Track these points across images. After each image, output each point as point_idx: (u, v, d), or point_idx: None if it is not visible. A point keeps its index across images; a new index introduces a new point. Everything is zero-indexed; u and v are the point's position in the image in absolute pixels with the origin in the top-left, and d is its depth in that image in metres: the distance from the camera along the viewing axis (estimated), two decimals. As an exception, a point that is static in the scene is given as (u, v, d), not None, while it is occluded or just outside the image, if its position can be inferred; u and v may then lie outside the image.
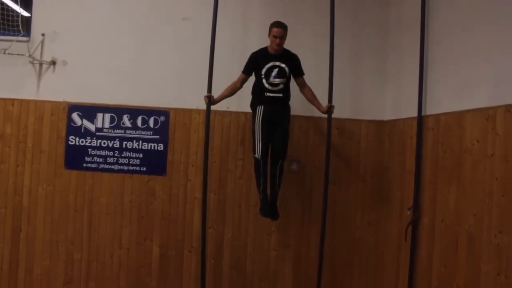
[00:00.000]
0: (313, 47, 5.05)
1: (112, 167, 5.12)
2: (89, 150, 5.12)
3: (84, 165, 5.12)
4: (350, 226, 5.22)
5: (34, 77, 5.12)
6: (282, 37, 4.48)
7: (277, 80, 4.52)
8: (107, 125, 5.14)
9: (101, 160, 5.13)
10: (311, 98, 4.70)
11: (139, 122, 5.14)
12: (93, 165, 5.12)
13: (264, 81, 4.53)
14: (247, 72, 4.63)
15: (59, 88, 5.11)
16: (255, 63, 4.58)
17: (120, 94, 5.13)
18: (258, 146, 4.48)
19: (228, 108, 4.88)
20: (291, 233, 5.16)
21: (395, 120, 5.04)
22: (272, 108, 4.54)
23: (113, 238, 5.11)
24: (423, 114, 4.46)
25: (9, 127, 5.08)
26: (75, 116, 5.13)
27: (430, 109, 4.39)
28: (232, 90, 4.67)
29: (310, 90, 4.70)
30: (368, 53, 5.25)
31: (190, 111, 5.14)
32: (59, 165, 5.11)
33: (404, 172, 4.77)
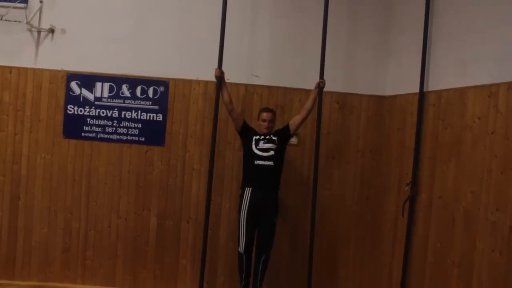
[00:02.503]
0: (316, 20, 4.97)
1: (111, 136, 5.11)
2: (88, 119, 5.09)
3: (83, 134, 5.10)
4: (348, 200, 5.24)
5: (32, 44, 5.05)
6: (271, 121, 4.64)
7: (266, 145, 4.56)
8: (106, 94, 5.10)
9: (99, 129, 5.10)
10: (306, 103, 4.70)
11: (138, 92, 5.10)
12: (91, 135, 5.10)
13: (253, 147, 4.57)
14: (244, 121, 4.73)
15: (57, 57, 5.05)
16: (248, 128, 4.70)
17: (119, 64, 5.07)
18: (242, 240, 4.51)
19: (228, 79, 4.83)
20: (288, 205, 5.17)
21: (396, 96, 5.01)
22: (260, 193, 4.52)
23: (111, 207, 5.13)
24: (424, 90, 4.43)
25: (7, 95, 5.04)
26: (73, 85, 5.08)
27: (432, 85, 4.36)
28: (228, 99, 4.63)
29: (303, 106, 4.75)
30: (370, 27, 5.17)
31: (190, 81, 5.10)
32: (58, 134, 5.08)
33: (403, 148, 4.77)
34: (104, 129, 5.10)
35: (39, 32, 5.04)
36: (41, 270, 5.11)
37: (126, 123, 5.10)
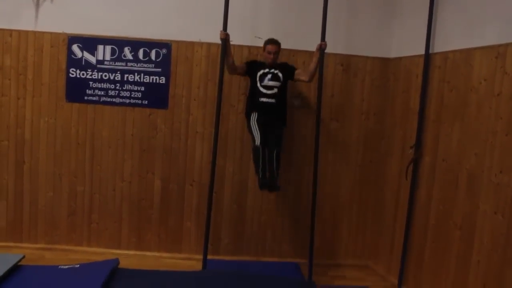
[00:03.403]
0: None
1: (114, 100, 5.08)
2: (90, 83, 5.06)
3: (86, 98, 5.07)
4: (352, 163, 5.25)
5: (32, 7, 4.96)
6: (276, 52, 4.62)
7: (271, 83, 4.56)
8: (108, 57, 5.05)
9: (102, 93, 5.07)
10: (310, 65, 4.65)
11: (140, 54, 5.05)
12: (94, 98, 5.07)
13: (258, 84, 4.59)
14: (246, 66, 4.71)
15: (58, 19, 4.97)
16: (253, 66, 4.68)
17: (121, 26, 4.99)
18: (257, 135, 4.54)
19: (232, 41, 4.76)
20: (292, 169, 5.18)
21: (401, 58, 4.95)
22: (266, 116, 4.58)
23: (115, 171, 5.15)
24: (430, 52, 4.36)
25: (8, 59, 4.99)
26: (75, 48, 5.03)
27: (438, 47, 4.29)
28: (231, 62, 4.60)
29: (306, 69, 4.72)
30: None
31: (192, 44, 5.04)
32: (60, 98, 5.06)
33: (408, 111, 4.73)
34: (107, 93, 5.07)
35: (38, -7, 4.96)
36: (48, 233, 5.18)
37: (129, 86, 5.07)
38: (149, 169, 5.16)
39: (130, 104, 5.08)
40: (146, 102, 5.08)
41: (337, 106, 5.14)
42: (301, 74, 4.69)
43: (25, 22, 4.96)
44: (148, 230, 5.22)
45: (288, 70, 4.70)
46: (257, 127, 4.56)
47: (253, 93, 4.66)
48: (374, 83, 5.17)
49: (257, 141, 4.51)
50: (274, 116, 4.63)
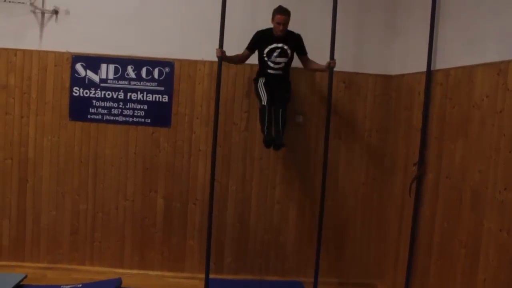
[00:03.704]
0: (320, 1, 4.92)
1: (117, 118, 5.10)
2: (94, 101, 5.08)
3: (89, 116, 5.10)
4: (355, 181, 5.23)
5: (37, 26, 5.02)
6: (285, 23, 4.50)
7: (278, 59, 4.59)
8: (111, 76, 5.08)
9: (105, 111, 5.10)
10: (314, 66, 4.71)
11: (143, 73, 5.08)
12: (97, 117, 5.10)
13: (266, 59, 4.60)
14: (250, 49, 4.68)
15: (62, 38, 5.02)
16: (259, 42, 4.63)
17: (124, 45, 5.04)
18: (264, 96, 4.53)
19: (235, 58, 4.80)
20: (295, 187, 5.17)
21: (403, 75, 4.96)
22: (273, 81, 4.63)
23: (118, 189, 5.15)
24: (432, 68, 4.37)
25: (13, 77, 5.03)
26: (79, 66, 5.06)
27: (440, 64, 4.30)
28: (239, 60, 4.71)
29: (312, 61, 4.72)
30: (377, 5, 5.10)
31: (195, 62, 5.07)
32: (64, 116, 5.08)
33: (410, 128, 4.73)
34: (110, 111, 5.09)
35: (43, 13, 5.01)
36: (50, 252, 5.16)
37: (132, 104, 5.09)
38: (152, 187, 5.15)
39: (133, 123, 5.10)
40: (149, 120, 5.10)
41: (340, 124, 5.14)
42: (303, 61, 4.73)
43: (30, 41, 5.02)
44: (151, 249, 5.20)
45: (298, 48, 4.67)
46: (264, 89, 4.56)
47: (261, 63, 4.68)
48: (377, 100, 5.17)
49: (264, 101, 4.51)
50: (281, 83, 4.67)
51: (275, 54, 4.58)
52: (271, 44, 4.58)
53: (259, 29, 4.66)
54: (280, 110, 4.50)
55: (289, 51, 4.61)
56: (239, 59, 4.72)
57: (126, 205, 5.16)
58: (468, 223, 3.76)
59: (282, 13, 4.47)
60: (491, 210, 3.49)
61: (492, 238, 3.47)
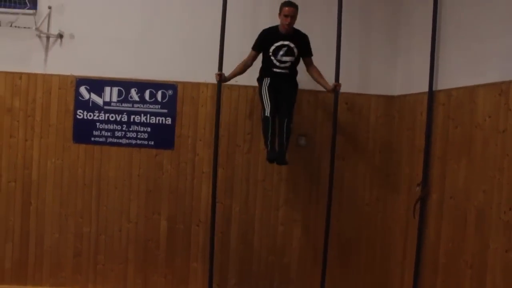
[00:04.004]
0: (323, 22, 4.97)
1: (120, 141, 5.12)
2: (97, 124, 5.11)
3: (92, 139, 5.12)
4: (358, 201, 5.21)
5: (42, 50, 5.09)
6: (293, 16, 4.41)
7: (285, 58, 4.52)
8: (114, 98, 5.12)
9: (109, 134, 5.12)
10: (318, 77, 4.65)
11: (147, 95, 5.11)
12: (101, 139, 5.12)
13: (272, 57, 4.53)
14: (256, 49, 4.60)
15: (66, 62, 5.08)
16: (265, 40, 4.54)
17: (128, 68, 5.09)
18: (267, 106, 4.44)
19: (237, 81, 4.83)
20: (299, 208, 5.16)
21: (405, 95, 4.98)
22: (278, 80, 4.54)
23: (122, 211, 5.14)
24: (434, 89, 4.39)
25: (17, 101, 5.07)
26: (82, 89, 5.11)
27: (442, 84, 4.32)
28: (243, 68, 4.65)
29: (317, 69, 4.65)
30: (378, 27, 5.16)
31: (198, 84, 5.10)
32: (68, 139, 5.11)
33: (413, 148, 4.73)
34: (113, 134, 5.11)
35: (48, 37, 5.07)
36: (53, 275, 5.13)
37: (135, 127, 5.11)
38: (155, 209, 5.15)
39: (136, 145, 5.12)
40: (152, 142, 5.12)
41: (343, 144, 5.14)
42: (307, 64, 4.65)
43: (35, 65, 5.08)
44: (154, 272, 5.16)
45: (305, 49, 4.59)
46: (268, 95, 4.46)
47: (266, 62, 4.58)
48: (379, 121, 5.19)
49: (267, 111, 4.42)
50: (287, 83, 4.59)
51: (281, 52, 4.50)
52: (277, 41, 4.49)
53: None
54: (285, 121, 4.43)
55: (295, 50, 4.52)
56: (244, 66, 4.63)
57: (129, 227, 5.14)
58: (473, 244, 3.74)
59: (290, 5, 4.40)
60: (496, 231, 3.47)
61: (498, 259, 3.44)
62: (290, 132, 4.50)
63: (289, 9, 4.39)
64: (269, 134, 4.40)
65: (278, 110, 4.49)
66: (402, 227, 4.89)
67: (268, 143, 4.41)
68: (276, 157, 4.36)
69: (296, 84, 4.70)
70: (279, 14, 4.47)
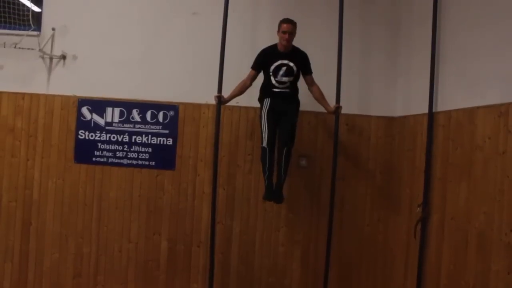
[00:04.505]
0: (323, 43, 5.02)
1: (121, 161, 5.14)
2: (99, 144, 5.14)
3: (94, 159, 5.14)
4: (359, 222, 5.19)
5: (44, 71, 5.14)
6: (291, 33, 4.45)
7: (284, 79, 4.54)
8: (116, 119, 5.15)
9: (110, 154, 5.14)
10: (319, 97, 4.67)
11: (148, 116, 5.15)
12: (102, 159, 5.14)
13: (272, 78, 4.55)
14: (256, 68, 4.62)
15: (69, 82, 5.13)
16: (264, 60, 4.57)
17: (130, 89, 5.13)
18: (265, 135, 4.46)
19: (237, 103, 4.87)
20: (300, 229, 5.14)
21: (405, 117, 5.00)
22: (279, 101, 4.55)
23: (122, 232, 5.13)
24: (434, 110, 4.41)
25: (20, 121, 5.11)
26: (84, 110, 5.14)
27: (441, 106, 4.35)
28: (242, 89, 4.66)
29: (318, 89, 4.67)
30: (378, 48, 5.20)
31: (199, 105, 5.14)
32: (69, 159, 5.13)
33: (414, 169, 4.73)
34: (114, 154, 5.13)
35: (51, 58, 5.13)
36: (52, 296, 5.10)
37: (137, 147, 5.14)
38: (156, 230, 5.14)
39: (137, 165, 5.14)
40: (153, 163, 5.13)
41: (343, 165, 5.14)
42: (308, 82, 4.65)
43: (37, 85, 5.14)
44: (154, 293, 5.14)
45: (304, 67, 4.60)
46: (266, 122, 4.46)
47: (267, 82, 4.59)
48: (380, 141, 5.20)
49: (264, 142, 4.44)
50: (288, 103, 4.58)
51: (281, 72, 4.52)
52: (276, 60, 4.52)
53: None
54: (284, 150, 4.44)
55: (295, 69, 4.54)
56: (243, 87, 4.63)
57: (129, 248, 5.13)
58: (475, 266, 3.72)
59: (288, 22, 4.45)
60: (497, 252, 3.46)
61: (500, 281, 3.42)
62: (290, 158, 4.52)
63: (288, 25, 4.43)
64: (267, 167, 4.46)
65: (278, 137, 4.51)
66: (403, 248, 4.87)
67: (265, 177, 4.45)
68: (272, 197, 4.43)
69: (297, 102, 4.70)
70: (278, 31, 4.51)
